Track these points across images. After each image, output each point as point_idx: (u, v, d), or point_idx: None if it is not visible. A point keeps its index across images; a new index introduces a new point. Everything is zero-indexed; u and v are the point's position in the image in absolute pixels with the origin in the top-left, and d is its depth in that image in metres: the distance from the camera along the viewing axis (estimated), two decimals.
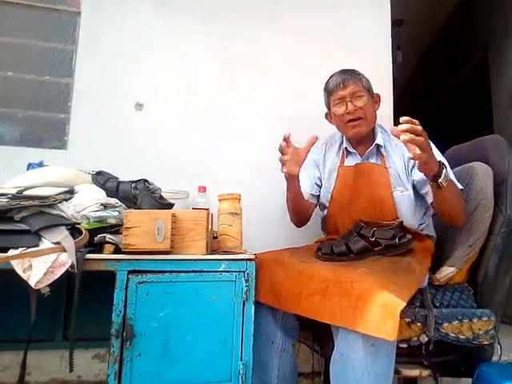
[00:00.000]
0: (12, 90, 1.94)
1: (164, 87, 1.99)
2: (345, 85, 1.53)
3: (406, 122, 1.16)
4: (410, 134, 1.14)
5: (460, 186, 1.42)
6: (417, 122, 1.17)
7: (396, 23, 3.51)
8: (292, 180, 1.47)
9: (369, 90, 1.58)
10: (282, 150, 1.36)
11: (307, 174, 1.67)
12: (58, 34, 1.98)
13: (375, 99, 1.61)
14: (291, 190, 1.52)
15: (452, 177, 1.39)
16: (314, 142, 1.40)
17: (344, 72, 1.58)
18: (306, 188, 1.64)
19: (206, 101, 2.01)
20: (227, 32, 2.08)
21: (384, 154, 1.55)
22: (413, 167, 1.50)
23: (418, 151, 1.16)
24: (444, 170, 1.25)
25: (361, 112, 1.52)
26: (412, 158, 1.20)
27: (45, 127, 1.92)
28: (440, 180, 1.24)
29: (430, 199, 1.47)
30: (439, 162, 1.26)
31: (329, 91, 1.60)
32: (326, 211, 1.65)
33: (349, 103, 1.52)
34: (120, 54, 1.96)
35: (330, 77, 1.61)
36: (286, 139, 1.35)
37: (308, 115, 1.92)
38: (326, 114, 1.69)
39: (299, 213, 1.65)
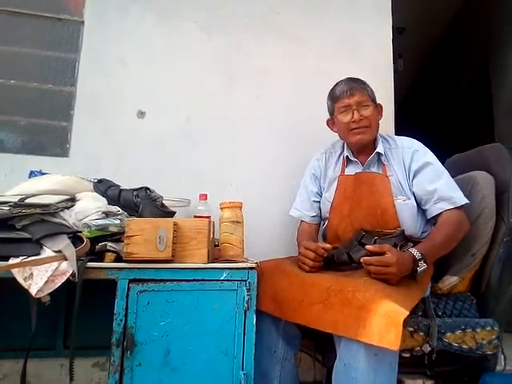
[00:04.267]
0: (15, 98, 1.95)
1: (166, 95, 1.99)
2: (352, 93, 1.53)
3: (374, 251, 1.24)
4: (377, 266, 1.21)
5: (462, 202, 1.42)
6: (386, 248, 1.23)
7: (397, 31, 3.52)
8: None
9: (374, 100, 1.58)
10: (315, 258, 1.35)
11: (308, 194, 1.71)
12: (61, 43, 1.99)
13: (378, 109, 1.60)
14: None
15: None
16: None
17: (351, 80, 1.58)
18: (309, 211, 1.70)
19: (208, 109, 2.01)
20: (229, 41, 2.09)
21: (385, 162, 1.55)
22: (413, 179, 1.50)
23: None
24: (420, 265, 1.26)
25: (366, 121, 1.52)
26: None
27: (47, 135, 1.93)
28: (419, 273, 1.26)
29: (428, 215, 1.48)
30: (413, 258, 1.27)
31: (334, 98, 1.59)
32: (326, 220, 1.64)
33: (355, 112, 1.52)
34: (123, 63, 1.97)
35: (336, 84, 1.61)
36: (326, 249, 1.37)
37: (310, 123, 1.93)
38: (327, 121, 1.67)
39: None
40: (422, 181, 1.48)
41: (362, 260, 1.23)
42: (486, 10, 3.46)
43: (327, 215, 1.62)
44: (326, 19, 2.20)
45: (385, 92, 2.12)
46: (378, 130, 1.60)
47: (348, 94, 1.53)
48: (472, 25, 3.73)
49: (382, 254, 1.22)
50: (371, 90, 1.59)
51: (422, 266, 1.26)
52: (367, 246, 1.26)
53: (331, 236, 1.62)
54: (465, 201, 1.42)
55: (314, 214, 1.69)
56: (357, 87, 1.54)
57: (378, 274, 1.21)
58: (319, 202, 1.69)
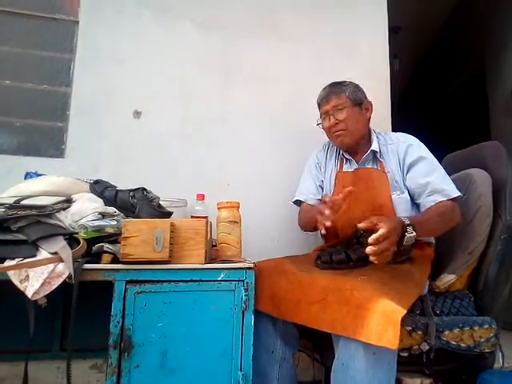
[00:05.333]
0: (10, 99, 1.93)
1: (163, 95, 1.98)
2: (327, 100, 1.60)
3: (366, 228, 1.20)
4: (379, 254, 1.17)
5: (455, 194, 1.41)
6: (375, 220, 1.20)
7: (393, 30, 3.53)
8: None
9: (353, 100, 1.58)
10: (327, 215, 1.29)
11: (313, 178, 1.72)
12: (56, 43, 1.98)
13: (366, 106, 1.62)
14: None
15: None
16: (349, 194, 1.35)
17: (330, 86, 1.64)
18: (315, 194, 1.70)
19: (205, 109, 2.01)
20: (226, 40, 2.08)
21: (381, 159, 1.57)
22: (407, 172, 1.51)
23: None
24: (408, 231, 1.23)
25: (342, 125, 1.57)
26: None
27: (43, 136, 1.91)
28: (404, 244, 1.24)
29: (422, 208, 1.48)
30: (402, 223, 1.24)
31: (318, 105, 1.68)
32: None
33: (331, 117, 1.59)
34: (118, 63, 1.96)
35: (320, 92, 1.67)
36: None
37: (307, 123, 1.92)
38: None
39: (313, 229, 1.68)
40: (415, 175, 1.49)
41: (367, 251, 1.17)
42: (482, 8, 3.47)
43: None
44: (323, 19, 2.20)
45: (381, 91, 2.12)
46: (363, 129, 1.61)
47: (324, 102, 1.61)
48: (467, 24, 3.74)
49: (374, 228, 1.18)
50: (352, 90, 1.60)
51: (411, 233, 1.24)
52: (360, 225, 1.21)
53: (330, 233, 1.61)
54: (457, 193, 1.42)
55: (320, 198, 1.68)
56: (333, 91, 1.60)
57: (384, 251, 1.17)
58: (323, 188, 1.71)
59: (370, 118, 1.64)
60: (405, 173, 1.52)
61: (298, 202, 1.75)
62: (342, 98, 1.58)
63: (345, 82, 1.63)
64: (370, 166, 1.58)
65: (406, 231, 1.23)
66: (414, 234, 1.24)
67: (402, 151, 1.54)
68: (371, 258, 1.18)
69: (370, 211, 1.49)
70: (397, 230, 1.21)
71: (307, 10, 2.19)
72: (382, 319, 1.05)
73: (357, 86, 1.63)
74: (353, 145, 1.60)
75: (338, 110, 1.57)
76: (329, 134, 1.64)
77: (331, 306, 1.16)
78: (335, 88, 1.61)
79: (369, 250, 1.17)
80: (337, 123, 1.57)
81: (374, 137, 1.61)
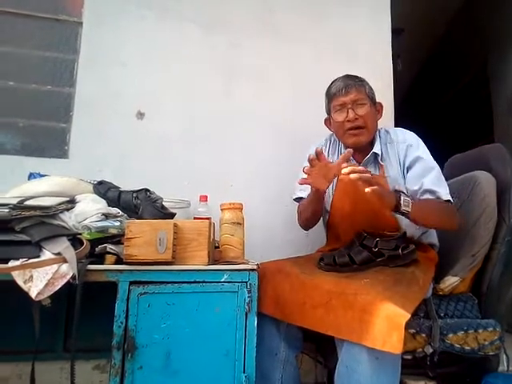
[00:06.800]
0: (13, 100, 1.94)
1: (166, 96, 1.99)
2: (347, 91, 1.49)
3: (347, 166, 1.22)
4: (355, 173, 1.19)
5: (446, 198, 1.40)
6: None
7: (396, 32, 3.52)
8: (318, 193, 1.46)
9: (371, 98, 1.54)
10: (310, 161, 1.32)
11: None
12: (59, 43, 1.99)
13: (378, 108, 1.58)
14: (314, 203, 1.53)
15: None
16: (348, 156, 1.33)
17: (347, 77, 1.54)
18: None
19: (208, 110, 2.01)
20: (228, 42, 2.09)
21: (382, 162, 1.52)
22: (406, 174, 1.49)
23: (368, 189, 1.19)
24: (402, 197, 1.27)
25: (361, 121, 1.49)
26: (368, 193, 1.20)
27: (46, 137, 1.92)
28: (402, 208, 1.26)
29: None
30: (395, 191, 1.29)
31: (330, 96, 1.56)
32: (327, 216, 1.63)
33: (350, 110, 1.49)
34: (121, 64, 1.97)
35: (333, 81, 1.57)
36: (318, 153, 1.32)
37: (309, 123, 1.92)
38: (325, 120, 1.65)
39: (312, 220, 1.66)
40: (412, 175, 1.46)
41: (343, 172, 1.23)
42: (486, 9, 3.47)
43: (328, 208, 1.60)
44: (325, 20, 2.21)
45: (384, 93, 2.11)
46: (376, 130, 1.56)
47: (343, 92, 1.49)
48: (471, 26, 3.74)
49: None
50: (370, 87, 1.55)
51: (406, 197, 1.27)
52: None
53: (332, 235, 1.62)
54: (448, 197, 1.39)
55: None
56: (353, 84, 1.50)
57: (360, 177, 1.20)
58: None
59: (378, 120, 1.59)
60: (405, 175, 1.50)
61: (299, 199, 1.69)
62: (362, 93, 1.50)
63: (359, 76, 1.55)
64: (371, 169, 1.52)
65: (402, 194, 1.28)
66: (410, 199, 1.28)
67: (402, 153, 1.50)
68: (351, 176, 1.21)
69: (372, 217, 1.47)
70: (384, 189, 1.27)
71: (310, 10, 2.19)
72: (386, 324, 1.04)
73: (369, 85, 1.56)
74: (364, 145, 1.54)
75: (358, 104, 1.48)
76: (339, 130, 1.54)
77: (336, 310, 1.16)
78: (354, 81, 1.51)
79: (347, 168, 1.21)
80: (356, 118, 1.47)
81: (376, 138, 1.55)
